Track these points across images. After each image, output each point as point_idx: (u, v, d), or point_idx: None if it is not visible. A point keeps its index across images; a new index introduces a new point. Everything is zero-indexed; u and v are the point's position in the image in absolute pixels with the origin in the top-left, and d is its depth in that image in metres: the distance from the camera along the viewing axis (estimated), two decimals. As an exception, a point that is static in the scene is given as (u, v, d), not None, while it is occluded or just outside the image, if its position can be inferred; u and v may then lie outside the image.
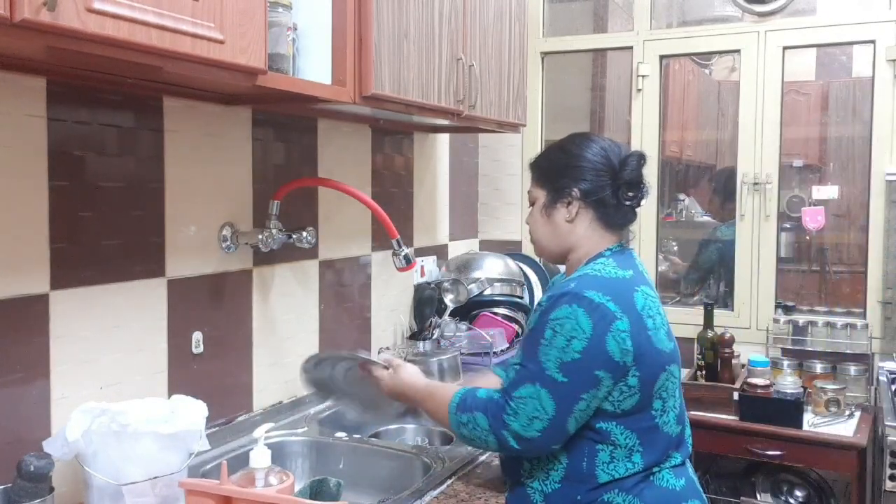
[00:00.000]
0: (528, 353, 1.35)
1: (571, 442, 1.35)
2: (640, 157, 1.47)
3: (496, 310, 2.63)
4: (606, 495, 1.33)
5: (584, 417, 1.32)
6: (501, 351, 2.50)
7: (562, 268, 1.55)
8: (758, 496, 2.64)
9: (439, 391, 1.49)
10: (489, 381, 1.58)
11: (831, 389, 2.47)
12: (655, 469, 1.36)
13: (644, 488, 1.34)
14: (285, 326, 2.01)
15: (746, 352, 2.70)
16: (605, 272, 1.38)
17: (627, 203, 1.45)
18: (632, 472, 1.33)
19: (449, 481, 1.59)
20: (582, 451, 1.34)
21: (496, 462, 1.62)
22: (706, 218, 3.38)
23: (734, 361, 2.62)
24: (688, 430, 1.46)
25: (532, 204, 1.53)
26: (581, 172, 1.45)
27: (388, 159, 2.43)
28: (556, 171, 1.48)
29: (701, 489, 1.45)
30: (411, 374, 1.56)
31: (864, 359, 2.62)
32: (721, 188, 3.16)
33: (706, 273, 3.19)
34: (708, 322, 2.66)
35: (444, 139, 2.79)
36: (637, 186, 1.45)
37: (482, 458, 1.70)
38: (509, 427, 1.32)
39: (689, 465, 1.45)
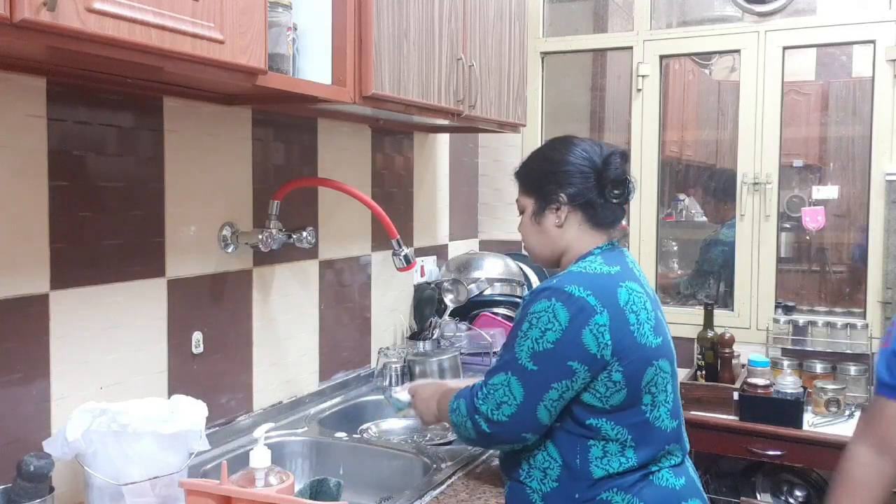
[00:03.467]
0: (506, 344, 1.42)
1: (564, 440, 1.36)
2: (623, 155, 1.50)
3: (496, 310, 2.63)
4: (605, 494, 1.33)
5: (558, 407, 1.34)
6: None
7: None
8: (758, 496, 2.64)
9: (450, 392, 1.52)
10: None
11: (831, 389, 2.47)
12: (654, 468, 1.36)
13: (643, 487, 1.34)
14: (285, 326, 2.01)
15: (746, 352, 2.70)
16: (590, 269, 1.41)
17: (615, 201, 1.47)
18: (627, 468, 1.33)
19: (449, 481, 1.59)
20: (574, 448, 1.36)
21: (496, 462, 1.62)
22: (706, 218, 3.38)
23: (734, 361, 2.62)
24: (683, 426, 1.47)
25: (521, 212, 1.57)
26: (566, 177, 1.47)
27: (388, 159, 2.43)
28: (542, 178, 1.51)
29: (701, 488, 1.45)
30: (429, 391, 1.63)
31: (864, 359, 2.62)
32: (721, 188, 3.16)
33: (709, 276, 3.19)
34: (708, 322, 2.66)
35: (444, 139, 2.79)
36: (622, 184, 1.47)
37: (482, 457, 1.70)
38: (480, 410, 1.37)
39: (688, 463, 1.45)
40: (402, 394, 1.72)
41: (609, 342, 1.32)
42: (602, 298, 1.33)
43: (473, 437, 1.42)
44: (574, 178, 1.46)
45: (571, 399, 1.35)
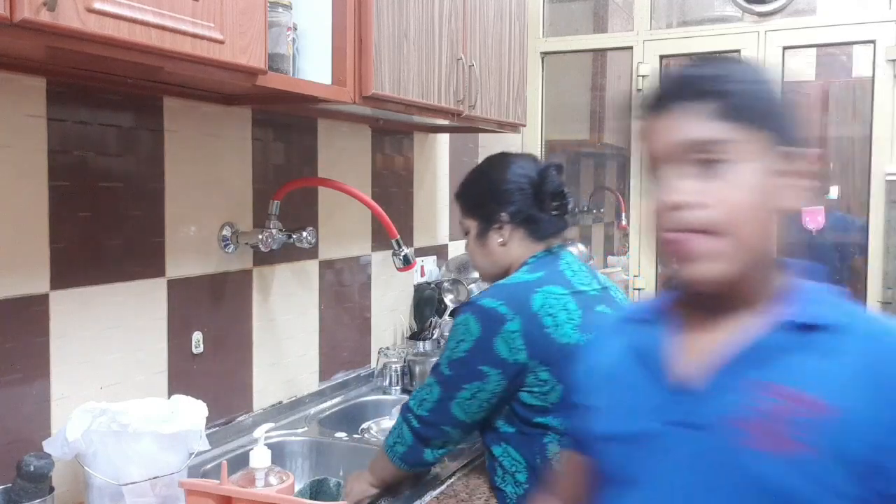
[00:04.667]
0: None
1: (521, 441, 1.45)
2: (558, 167, 1.57)
3: (496, 310, 2.63)
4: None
5: (473, 406, 1.43)
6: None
7: None
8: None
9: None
10: None
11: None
12: None
13: None
14: (285, 326, 2.01)
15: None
16: (513, 280, 1.48)
17: (555, 213, 1.50)
18: None
19: (449, 481, 1.59)
20: (532, 448, 1.43)
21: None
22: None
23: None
24: None
25: (466, 234, 1.61)
26: (505, 195, 1.53)
27: (387, 159, 2.43)
28: (482, 198, 1.56)
29: None
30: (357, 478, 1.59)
31: (864, 359, 2.62)
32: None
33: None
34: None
35: (444, 139, 2.79)
36: (560, 196, 1.51)
37: (482, 457, 1.70)
38: (410, 407, 1.49)
39: None
40: None
41: (522, 346, 1.39)
42: (514, 306, 1.41)
43: (410, 440, 1.48)
44: (513, 196, 1.53)
45: (507, 399, 1.43)
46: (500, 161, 1.58)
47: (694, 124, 0.79)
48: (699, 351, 0.84)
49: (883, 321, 0.82)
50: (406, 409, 1.51)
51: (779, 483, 0.75)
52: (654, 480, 0.83)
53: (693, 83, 0.81)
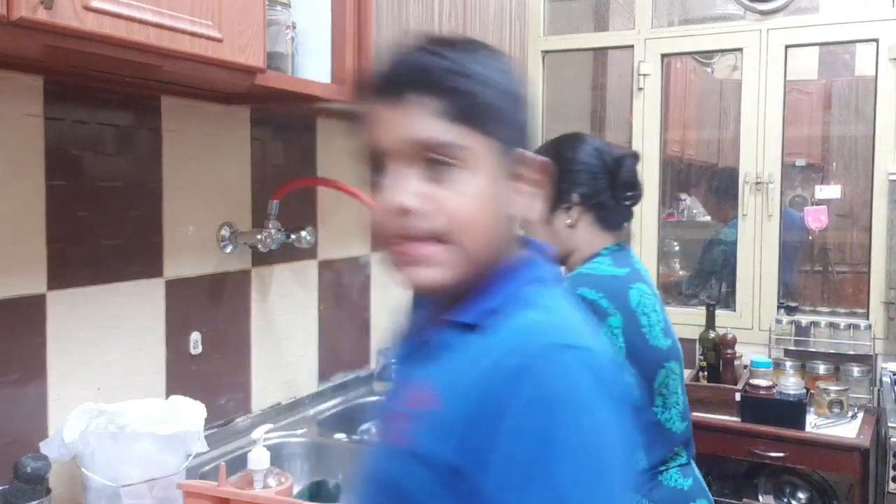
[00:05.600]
0: None
1: None
2: (635, 157, 1.48)
3: (497, 310, 2.62)
4: None
5: None
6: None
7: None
8: (760, 498, 2.63)
9: None
10: None
11: (834, 390, 2.46)
12: (662, 468, 1.35)
13: (652, 488, 1.33)
14: (284, 327, 2.00)
15: (749, 352, 2.69)
16: (599, 270, 1.39)
17: (626, 203, 1.45)
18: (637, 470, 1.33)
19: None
20: None
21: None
22: (708, 218, 3.37)
23: (736, 362, 2.61)
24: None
25: None
26: (578, 177, 1.45)
27: (388, 159, 2.42)
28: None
29: (707, 489, 1.45)
30: None
31: (867, 360, 2.61)
32: (722, 188, 3.15)
33: (710, 276, 3.18)
34: (710, 323, 2.65)
35: (444, 138, 2.78)
36: (634, 186, 1.45)
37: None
38: None
39: (693, 464, 1.45)
40: None
41: (623, 345, 1.31)
42: (614, 300, 1.33)
43: None
44: (586, 178, 1.45)
45: None
46: (576, 140, 1.49)
47: (428, 123, 0.74)
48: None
49: (528, 321, 0.75)
50: None
51: (389, 476, 0.76)
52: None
53: (432, 75, 0.75)
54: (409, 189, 0.75)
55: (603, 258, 1.43)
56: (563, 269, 1.53)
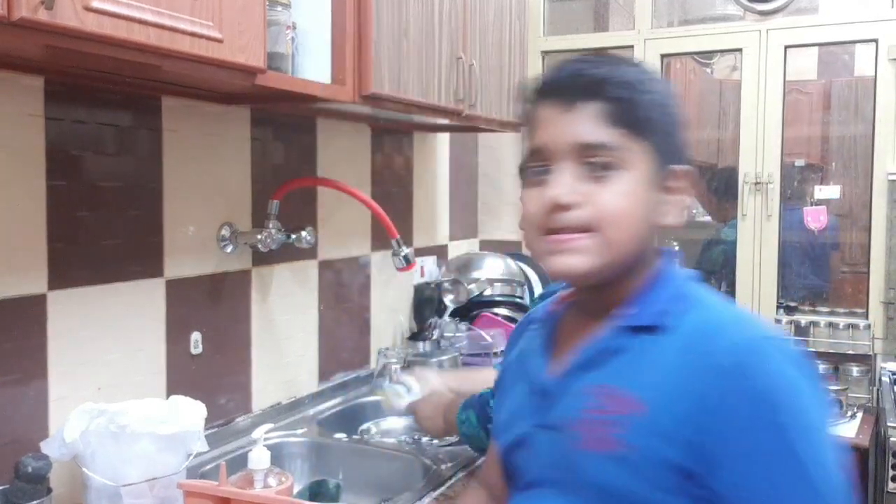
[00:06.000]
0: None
1: None
2: None
3: (496, 310, 2.62)
4: None
5: None
6: (501, 351, 2.49)
7: None
8: (759, 497, 2.63)
9: (454, 404, 1.53)
10: (487, 376, 1.60)
11: (833, 390, 2.46)
12: None
13: None
14: (284, 327, 2.00)
15: (748, 352, 2.68)
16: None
17: None
18: None
19: (449, 482, 1.58)
20: None
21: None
22: (708, 218, 3.37)
23: (736, 362, 2.61)
24: None
25: None
26: None
27: (387, 159, 2.42)
28: None
29: None
30: (429, 409, 1.63)
31: (866, 359, 2.61)
32: (722, 188, 3.15)
33: (710, 276, 3.18)
34: (709, 322, 2.65)
35: (444, 139, 2.78)
36: None
37: (482, 458, 1.69)
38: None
39: None
40: (402, 391, 1.71)
41: None
42: None
43: (488, 447, 1.41)
44: None
45: None
46: None
47: (591, 126, 0.81)
48: (567, 353, 0.88)
49: (712, 318, 0.82)
50: (486, 419, 1.41)
51: (610, 482, 0.77)
52: (532, 483, 0.87)
53: (602, 84, 0.82)
54: (568, 186, 0.81)
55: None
56: None
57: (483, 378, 1.61)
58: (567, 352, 0.88)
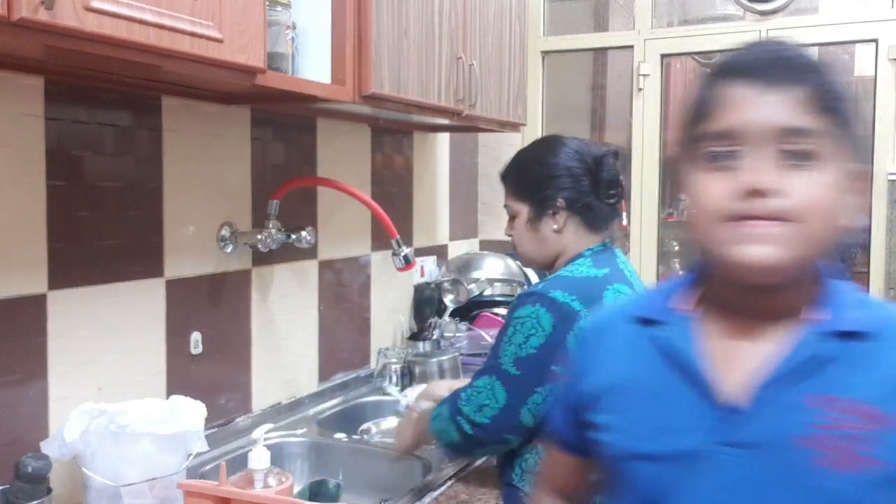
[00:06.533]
0: (492, 348, 1.42)
1: None
2: (615, 155, 1.49)
3: (496, 310, 2.63)
4: (598, 498, 1.32)
5: (543, 409, 1.32)
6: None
7: None
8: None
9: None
10: None
11: (833, 390, 2.45)
12: None
13: None
14: (284, 327, 2.00)
15: (748, 352, 2.69)
16: (577, 272, 1.41)
17: (610, 202, 1.46)
18: None
19: (449, 483, 1.58)
20: None
21: (496, 463, 1.61)
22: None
23: (735, 362, 2.61)
24: None
25: (512, 218, 1.52)
26: (561, 181, 1.46)
27: (387, 159, 2.42)
28: (536, 183, 1.48)
29: None
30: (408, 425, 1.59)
31: (865, 359, 2.61)
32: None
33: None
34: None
35: (444, 139, 2.78)
36: (616, 184, 1.47)
37: (482, 459, 1.69)
38: (462, 412, 1.38)
39: None
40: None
41: None
42: (587, 303, 1.34)
43: (457, 441, 1.41)
44: (569, 182, 1.46)
45: None
46: (555, 144, 1.49)
47: (793, 111, 0.75)
48: (741, 362, 0.79)
49: None
50: (455, 411, 1.39)
51: (854, 501, 0.73)
52: (701, 502, 0.79)
53: (800, 64, 0.77)
54: (765, 171, 0.75)
55: (584, 259, 1.44)
56: (548, 273, 1.53)
57: None
58: (737, 360, 0.79)
